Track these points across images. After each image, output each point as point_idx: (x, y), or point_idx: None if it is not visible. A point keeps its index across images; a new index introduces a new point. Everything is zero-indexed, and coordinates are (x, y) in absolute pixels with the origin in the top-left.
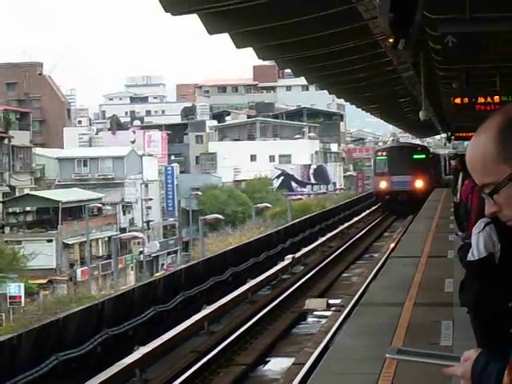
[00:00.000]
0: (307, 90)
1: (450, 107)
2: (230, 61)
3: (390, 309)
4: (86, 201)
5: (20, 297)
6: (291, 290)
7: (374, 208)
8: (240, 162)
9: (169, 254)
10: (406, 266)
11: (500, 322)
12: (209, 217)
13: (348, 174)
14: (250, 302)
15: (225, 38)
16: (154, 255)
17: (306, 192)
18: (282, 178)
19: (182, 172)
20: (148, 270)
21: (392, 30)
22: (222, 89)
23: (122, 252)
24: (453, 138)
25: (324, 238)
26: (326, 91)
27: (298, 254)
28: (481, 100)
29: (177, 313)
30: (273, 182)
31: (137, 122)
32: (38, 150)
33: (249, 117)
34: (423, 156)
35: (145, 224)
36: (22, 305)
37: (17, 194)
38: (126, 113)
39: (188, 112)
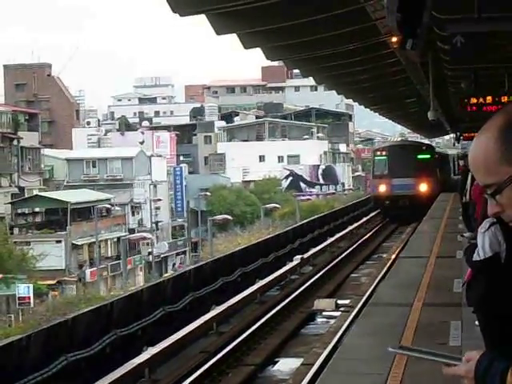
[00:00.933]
0: (316, 90)
1: (458, 107)
2: (238, 61)
3: (398, 309)
4: (95, 202)
5: (29, 298)
6: (300, 290)
7: None
8: (249, 162)
9: (178, 254)
10: (414, 266)
11: (505, 322)
12: (218, 217)
13: (356, 174)
14: (258, 303)
15: (233, 39)
16: (162, 256)
17: (314, 192)
18: (290, 178)
19: (190, 173)
20: (157, 270)
21: (400, 30)
22: (231, 89)
23: (131, 253)
24: (462, 138)
25: (333, 239)
26: (334, 91)
27: (306, 255)
28: (489, 100)
29: (186, 313)
30: (281, 183)
31: (145, 123)
32: (46, 151)
33: (257, 117)
34: (428, 156)
35: (153, 225)
36: (31, 306)
37: (26, 195)
38: (135, 113)
39: (196, 113)
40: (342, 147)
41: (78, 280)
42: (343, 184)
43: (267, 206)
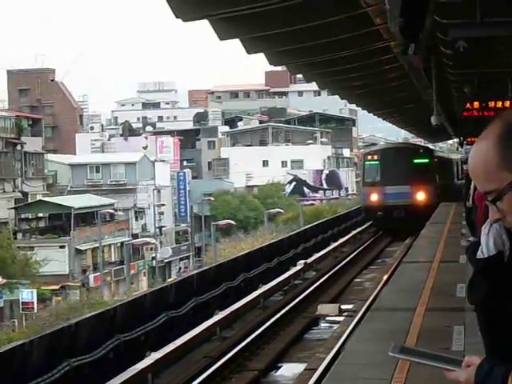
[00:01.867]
0: (319, 95)
1: (461, 112)
2: (241, 66)
3: (401, 314)
4: (99, 207)
5: (32, 303)
6: (303, 295)
7: None
8: (252, 167)
9: (181, 259)
10: (417, 271)
11: (506, 321)
12: (221, 222)
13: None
14: (262, 308)
15: (236, 44)
16: (166, 261)
17: (318, 197)
18: (294, 183)
19: (194, 178)
20: (160, 275)
21: (402, 34)
22: (234, 94)
23: (135, 258)
24: (465, 142)
25: (336, 244)
26: (337, 96)
27: (310, 260)
28: (492, 105)
29: (189, 318)
30: (285, 188)
31: (149, 128)
32: (50, 156)
33: (261, 122)
34: (426, 160)
35: (157, 230)
36: (35, 311)
37: (29, 200)
38: (138, 119)
39: (200, 118)
40: (346, 152)
41: (82, 285)
42: (347, 189)
43: (271, 210)
